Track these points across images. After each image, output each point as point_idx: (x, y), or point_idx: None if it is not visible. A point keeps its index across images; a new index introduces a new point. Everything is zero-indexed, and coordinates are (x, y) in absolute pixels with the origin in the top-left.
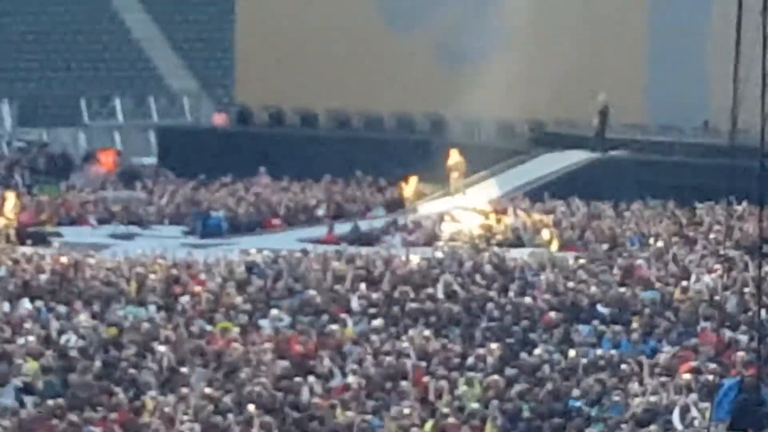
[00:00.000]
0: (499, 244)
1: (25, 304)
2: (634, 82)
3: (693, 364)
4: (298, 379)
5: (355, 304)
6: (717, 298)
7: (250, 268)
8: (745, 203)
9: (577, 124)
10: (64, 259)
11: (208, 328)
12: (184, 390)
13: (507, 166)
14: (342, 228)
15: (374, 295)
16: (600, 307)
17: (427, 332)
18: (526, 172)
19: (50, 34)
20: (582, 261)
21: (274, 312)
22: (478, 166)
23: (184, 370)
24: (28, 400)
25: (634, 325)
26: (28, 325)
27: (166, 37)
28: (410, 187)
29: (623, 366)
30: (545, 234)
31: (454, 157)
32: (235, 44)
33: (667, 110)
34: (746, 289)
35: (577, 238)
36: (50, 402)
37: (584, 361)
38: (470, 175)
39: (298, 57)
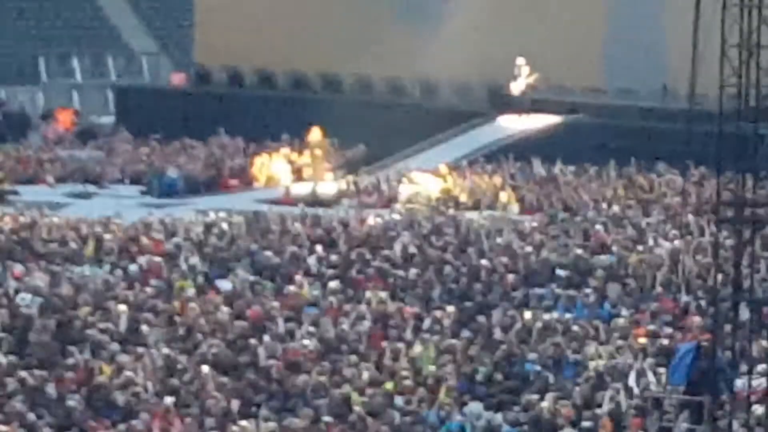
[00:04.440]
0: (457, 207)
1: None
2: (591, 46)
3: (649, 328)
4: (254, 340)
5: (312, 265)
6: (674, 262)
7: (208, 228)
8: (702, 168)
9: (538, 86)
10: (21, 218)
11: (165, 288)
12: (141, 350)
13: (465, 129)
14: (299, 189)
15: (331, 257)
16: (557, 271)
17: (383, 295)
18: (485, 135)
19: None
20: (539, 224)
21: (231, 273)
22: (437, 129)
23: (140, 329)
24: None
25: (591, 288)
26: None
27: None
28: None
29: (579, 329)
30: (503, 197)
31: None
32: (194, 4)
33: (625, 74)
34: (702, 255)
35: (535, 202)
36: (3, 360)
37: (540, 324)
38: (428, 138)
39: (256, 18)
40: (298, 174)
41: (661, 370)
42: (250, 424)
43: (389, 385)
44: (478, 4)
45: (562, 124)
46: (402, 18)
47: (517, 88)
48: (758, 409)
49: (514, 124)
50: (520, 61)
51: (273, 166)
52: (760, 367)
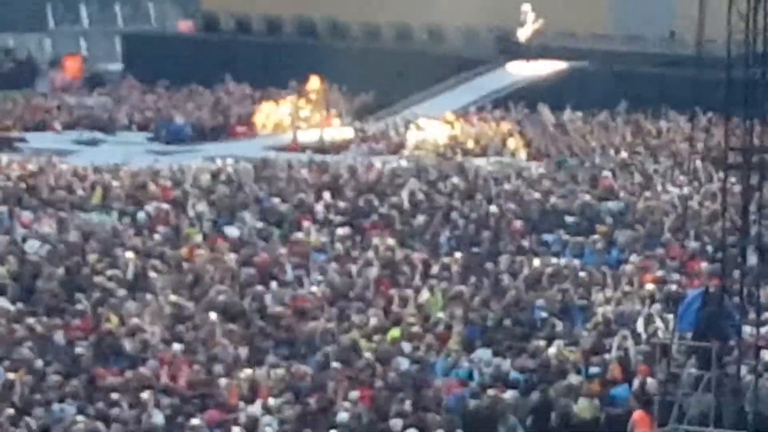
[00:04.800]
0: (465, 154)
1: None
2: None
3: (657, 274)
4: (262, 287)
5: (319, 212)
6: (681, 208)
7: (215, 175)
8: (710, 114)
9: (544, 33)
10: (29, 165)
11: (172, 235)
12: (149, 297)
13: (472, 76)
14: (307, 136)
15: (339, 204)
16: (565, 217)
17: (391, 241)
18: (492, 82)
19: None
20: (547, 171)
21: (238, 220)
22: (444, 75)
23: (148, 277)
24: None
25: (598, 235)
26: None
27: None
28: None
29: (587, 276)
30: (511, 143)
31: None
32: None
33: (633, 20)
34: (710, 201)
35: (542, 148)
36: (11, 307)
37: (548, 270)
38: (435, 84)
39: None
40: (304, 121)
41: (669, 316)
42: (258, 371)
43: (397, 332)
44: None
45: (569, 70)
46: None
47: (523, 34)
48: (766, 355)
49: (521, 71)
50: (526, 7)
51: (279, 114)
52: None
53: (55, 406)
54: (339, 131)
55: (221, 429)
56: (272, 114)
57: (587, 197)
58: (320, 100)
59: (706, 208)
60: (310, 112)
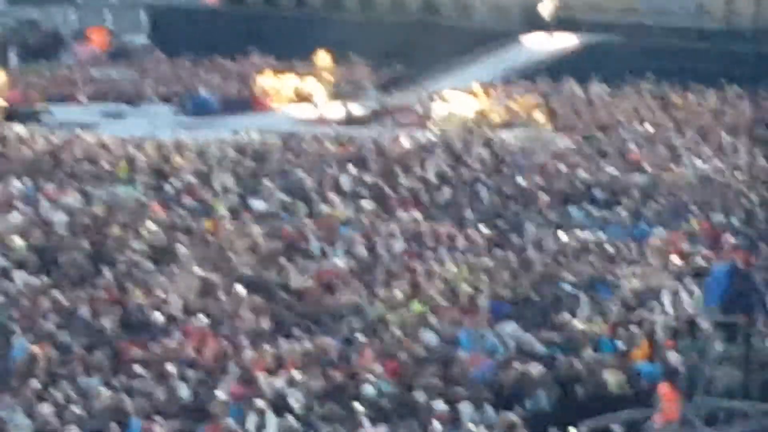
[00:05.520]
0: (491, 126)
1: (15, 183)
2: None
3: (684, 248)
4: (287, 260)
5: (345, 185)
6: (708, 182)
7: (241, 148)
8: (737, 87)
9: (571, 6)
10: (54, 138)
11: (198, 207)
12: (174, 269)
13: (498, 48)
14: (334, 109)
15: (365, 177)
16: (591, 190)
17: (417, 214)
18: (518, 55)
19: None
20: (574, 144)
21: (264, 192)
22: (471, 48)
23: (174, 249)
24: (19, 276)
25: (625, 208)
26: (17, 204)
27: None
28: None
29: (614, 250)
30: (537, 116)
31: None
32: None
33: None
34: (737, 174)
35: (569, 121)
36: (36, 280)
37: (575, 244)
38: (461, 57)
39: None
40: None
41: (696, 290)
42: (283, 344)
43: (422, 306)
44: None
45: (596, 43)
46: None
47: (545, 8)
48: None
49: (546, 45)
50: None
51: (305, 86)
52: None
53: (80, 379)
54: (365, 104)
55: (245, 402)
56: (296, 87)
57: (614, 171)
58: (331, 75)
59: (732, 182)
60: (321, 85)
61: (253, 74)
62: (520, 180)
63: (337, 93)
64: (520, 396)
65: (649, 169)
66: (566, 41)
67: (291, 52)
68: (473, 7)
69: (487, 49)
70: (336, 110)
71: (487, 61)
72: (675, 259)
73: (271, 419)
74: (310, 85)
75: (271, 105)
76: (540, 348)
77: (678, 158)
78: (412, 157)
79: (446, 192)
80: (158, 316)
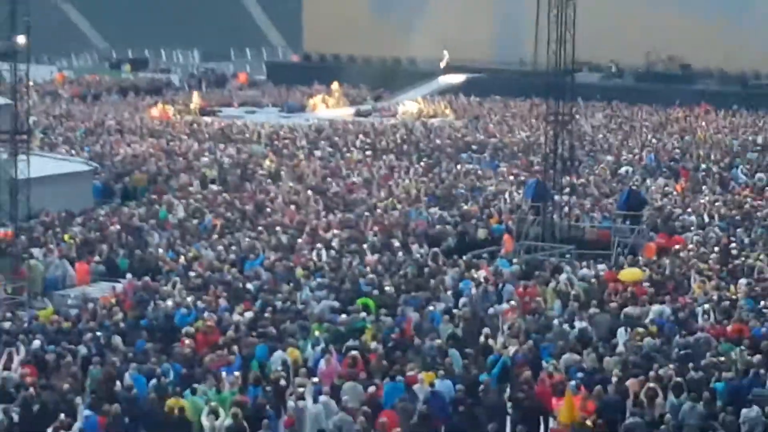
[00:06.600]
0: (426, 117)
1: (205, 144)
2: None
3: (513, 172)
4: (332, 177)
5: (358, 143)
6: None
7: (310, 126)
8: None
9: (459, 58)
10: (222, 122)
11: (290, 153)
12: (280, 183)
13: (430, 80)
14: (348, 110)
15: (367, 140)
16: (471, 146)
17: (392, 156)
18: (437, 84)
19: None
20: (463, 125)
21: (320, 147)
22: (416, 81)
23: (280, 172)
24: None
25: (487, 154)
26: (205, 154)
27: None
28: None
29: (482, 172)
30: (448, 112)
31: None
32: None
33: (509, 50)
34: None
35: (460, 115)
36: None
37: (464, 170)
38: (412, 85)
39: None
40: (337, 104)
41: (521, 191)
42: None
43: (393, 200)
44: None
45: (471, 78)
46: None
47: (443, 63)
48: None
49: (449, 79)
50: (445, 53)
51: (330, 101)
52: None
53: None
54: (367, 106)
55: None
56: (325, 101)
57: (481, 136)
58: (340, 94)
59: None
60: (333, 100)
61: (307, 95)
62: (438, 141)
63: (350, 102)
64: (437, 238)
65: (498, 135)
66: (458, 78)
67: (320, 84)
68: (417, 60)
69: (423, 82)
70: (350, 110)
71: (424, 87)
72: (508, 177)
73: None
74: (335, 99)
75: (316, 109)
76: (447, 217)
77: (511, 129)
78: (389, 130)
79: (405, 146)
80: (272, 203)
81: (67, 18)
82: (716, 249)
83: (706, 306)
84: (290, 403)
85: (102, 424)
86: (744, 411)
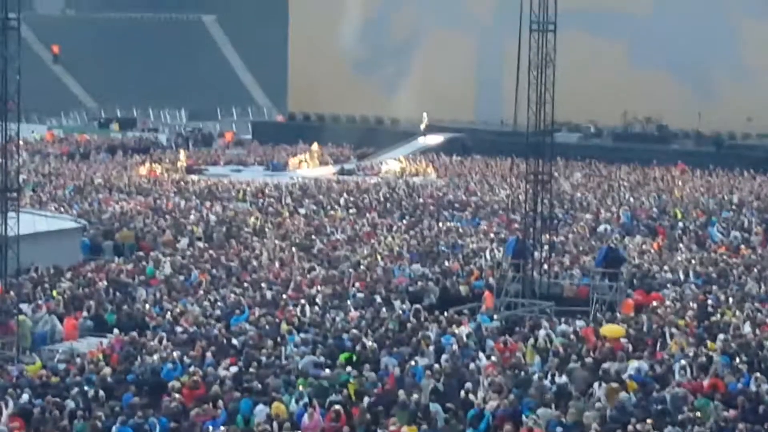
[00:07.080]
0: (408, 175)
1: (193, 202)
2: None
3: (494, 229)
4: (315, 235)
5: (342, 201)
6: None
7: (294, 185)
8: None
9: (429, 125)
10: (209, 181)
11: (275, 211)
12: (265, 240)
13: (411, 141)
14: (331, 169)
15: (351, 198)
16: (453, 204)
17: (374, 214)
18: (419, 144)
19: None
20: (445, 183)
21: (304, 206)
22: (398, 140)
23: (264, 229)
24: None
25: (468, 212)
26: (192, 211)
27: None
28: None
29: (463, 230)
30: (430, 170)
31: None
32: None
33: (486, 113)
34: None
35: (443, 173)
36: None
37: (445, 228)
38: (393, 145)
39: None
40: (321, 163)
41: (501, 249)
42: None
43: (377, 256)
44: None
45: (452, 137)
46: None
47: (423, 125)
48: None
49: (430, 140)
50: (424, 116)
51: (310, 159)
52: None
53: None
54: (350, 164)
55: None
56: (305, 160)
57: (462, 195)
58: (319, 154)
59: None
60: (311, 160)
61: (290, 154)
62: (420, 199)
63: (333, 161)
64: (419, 295)
65: (479, 194)
66: (437, 138)
67: (302, 142)
68: (399, 121)
69: (405, 141)
70: (333, 168)
71: (406, 147)
72: (489, 234)
73: None
74: (315, 159)
75: (299, 168)
76: (428, 274)
77: (492, 188)
78: (372, 188)
79: (387, 204)
80: (257, 259)
81: (57, 78)
82: (693, 305)
83: (683, 362)
84: None
85: None
86: None
